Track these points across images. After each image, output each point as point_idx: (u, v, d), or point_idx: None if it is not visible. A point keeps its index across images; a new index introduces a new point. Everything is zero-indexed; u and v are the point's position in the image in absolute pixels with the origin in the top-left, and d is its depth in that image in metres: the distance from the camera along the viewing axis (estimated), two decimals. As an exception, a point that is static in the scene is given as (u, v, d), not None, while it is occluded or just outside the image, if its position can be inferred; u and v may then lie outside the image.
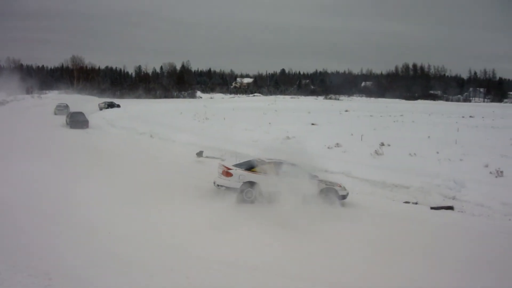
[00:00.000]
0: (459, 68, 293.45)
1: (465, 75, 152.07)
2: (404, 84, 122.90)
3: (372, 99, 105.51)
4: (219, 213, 11.86)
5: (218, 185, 14.09)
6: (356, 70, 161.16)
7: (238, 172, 13.96)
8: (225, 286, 7.53)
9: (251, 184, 13.82)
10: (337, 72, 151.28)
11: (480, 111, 60.78)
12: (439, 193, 15.35)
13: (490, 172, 18.54)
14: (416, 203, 14.69)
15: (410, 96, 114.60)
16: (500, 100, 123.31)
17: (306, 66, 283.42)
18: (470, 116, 49.00)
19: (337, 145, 23.51)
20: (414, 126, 33.91)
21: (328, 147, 22.89)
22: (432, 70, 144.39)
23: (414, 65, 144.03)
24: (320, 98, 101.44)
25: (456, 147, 23.49)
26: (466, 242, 11.03)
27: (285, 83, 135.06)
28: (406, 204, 14.70)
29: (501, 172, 18.36)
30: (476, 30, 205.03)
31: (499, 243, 11.15)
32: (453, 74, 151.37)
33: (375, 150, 21.63)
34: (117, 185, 13.55)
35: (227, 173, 14.01)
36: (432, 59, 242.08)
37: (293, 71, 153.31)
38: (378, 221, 12.26)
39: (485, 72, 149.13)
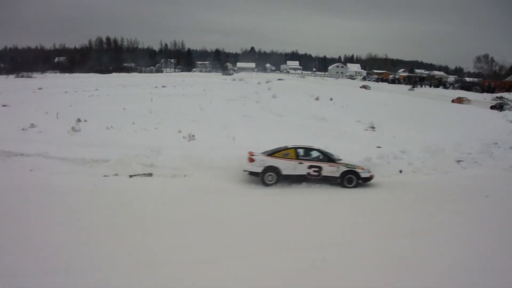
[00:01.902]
0: (151, 40, 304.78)
1: (156, 47, 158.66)
2: (98, 58, 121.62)
3: (67, 74, 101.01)
4: None
5: (244, 171, 15.39)
6: (48, 45, 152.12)
7: (260, 157, 15.27)
8: None
9: (272, 168, 15.11)
10: (29, 48, 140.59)
11: (172, 80, 64.42)
12: (138, 163, 15.67)
13: (183, 137, 19.85)
14: (116, 175, 14.73)
15: (105, 69, 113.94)
16: (189, 70, 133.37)
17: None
18: (163, 86, 51.10)
19: (32, 125, 21.73)
20: (110, 100, 33.69)
21: (23, 129, 20.97)
22: (125, 43, 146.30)
23: (108, 39, 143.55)
24: (12, 76, 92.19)
25: (151, 117, 24.28)
26: (166, 201, 11.97)
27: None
28: (106, 177, 14.57)
29: (193, 136, 19.84)
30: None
31: (195, 200, 12.22)
32: (146, 46, 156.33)
33: (72, 127, 20.77)
34: None
35: (250, 159, 15.31)
36: (126, 33, 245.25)
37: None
38: (72, 198, 11.88)
39: (174, 43, 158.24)
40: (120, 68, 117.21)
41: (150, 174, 14.93)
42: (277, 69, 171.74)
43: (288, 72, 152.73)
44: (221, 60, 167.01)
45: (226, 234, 8.97)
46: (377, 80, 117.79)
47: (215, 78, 75.77)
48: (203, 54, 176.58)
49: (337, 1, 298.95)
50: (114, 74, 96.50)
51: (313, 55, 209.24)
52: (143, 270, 6.95)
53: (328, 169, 15.27)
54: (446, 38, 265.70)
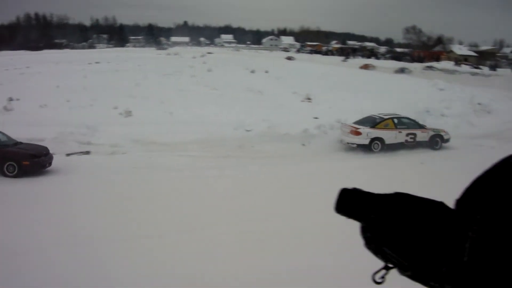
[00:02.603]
0: (82, 16, 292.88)
1: (87, 23, 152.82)
2: (27, 34, 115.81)
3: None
4: None
5: (348, 143, 16.71)
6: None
7: (366, 130, 16.52)
8: None
9: (378, 139, 16.57)
10: None
11: (105, 56, 62.42)
12: (75, 141, 15.34)
13: (120, 113, 19.47)
14: (53, 154, 14.33)
15: (35, 46, 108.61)
16: (122, 45, 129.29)
17: None
18: (96, 62, 49.50)
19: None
20: (42, 77, 32.34)
21: None
22: (55, 19, 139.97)
23: (36, 14, 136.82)
24: None
25: (86, 93, 23.56)
26: (105, 179, 11.77)
27: None
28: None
29: (130, 112, 19.50)
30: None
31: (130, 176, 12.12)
32: (76, 22, 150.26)
33: (4, 106, 19.89)
34: None
35: (356, 132, 16.50)
36: (55, 8, 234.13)
37: None
38: None
39: (106, 19, 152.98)
40: (51, 45, 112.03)
41: (87, 152, 14.66)
42: (212, 43, 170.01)
43: (222, 45, 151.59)
44: (154, 35, 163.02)
45: (168, 209, 9.03)
46: (310, 52, 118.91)
47: (149, 53, 73.89)
48: (136, 29, 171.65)
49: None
50: (45, 51, 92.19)
51: (247, 28, 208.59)
52: (78, 247, 6.93)
53: (421, 135, 17.34)
54: (377, 10, 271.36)
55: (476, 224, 0.39)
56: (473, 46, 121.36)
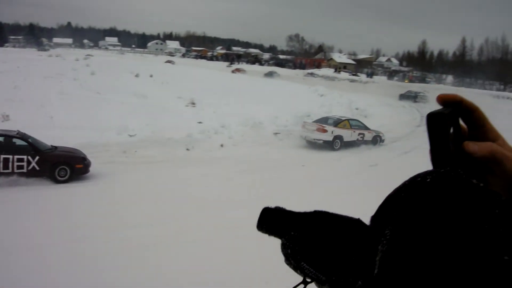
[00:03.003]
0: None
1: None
2: None
3: None
4: None
5: (315, 139, 18.95)
6: None
7: (330, 128, 19.10)
8: None
9: (339, 137, 19.18)
10: None
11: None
12: None
13: (-4, 117, 18.50)
14: None
15: None
16: (0, 45, 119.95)
17: None
18: (-33, 62, 45.84)
19: None
20: None
21: None
22: None
23: None
24: None
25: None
26: None
27: None
28: None
29: (7, 116, 18.59)
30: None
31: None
32: None
33: None
34: None
35: (323, 130, 18.93)
36: None
37: None
38: None
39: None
40: None
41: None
42: (96, 45, 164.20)
43: (107, 48, 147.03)
44: (36, 35, 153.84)
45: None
46: (196, 57, 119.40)
47: (29, 54, 69.59)
48: (17, 29, 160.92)
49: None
50: None
51: (132, 31, 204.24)
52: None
53: (367, 135, 20.28)
54: (261, 18, 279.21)
55: (385, 238, 0.42)
56: (352, 54, 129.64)
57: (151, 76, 41.97)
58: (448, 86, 65.12)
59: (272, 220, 0.52)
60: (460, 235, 0.39)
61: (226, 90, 35.09)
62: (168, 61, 79.18)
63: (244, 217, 8.24)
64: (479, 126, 0.57)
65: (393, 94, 47.43)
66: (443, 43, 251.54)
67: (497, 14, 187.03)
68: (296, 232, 0.50)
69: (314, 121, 20.49)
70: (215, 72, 58.06)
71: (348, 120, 20.50)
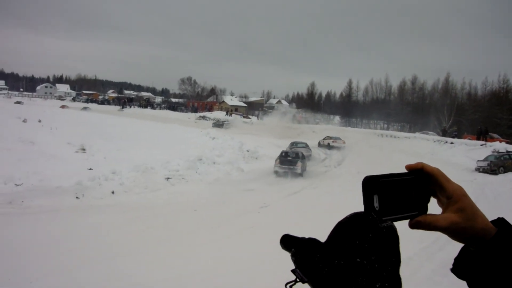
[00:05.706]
0: None
1: None
2: None
3: None
4: None
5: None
6: None
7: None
8: None
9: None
10: None
11: None
12: None
13: None
14: None
15: None
16: None
17: None
18: None
19: None
20: None
21: None
22: None
23: None
24: None
25: None
26: None
27: None
28: None
29: None
30: None
31: None
32: None
33: None
34: None
35: None
36: None
37: None
38: None
39: None
40: None
41: None
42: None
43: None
44: None
45: None
46: (86, 101, 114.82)
47: None
48: None
49: (36, 18, 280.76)
50: None
51: (21, 74, 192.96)
52: None
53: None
54: (153, 60, 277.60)
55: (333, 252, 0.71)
56: (243, 97, 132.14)
57: (39, 121, 39.73)
58: (335, 126, 68.66)
59: (286, 242, 0.78)
60: (349, 250, 0.68)
61: (118, 134, 34.28)
62: (62, 106, 75.24)
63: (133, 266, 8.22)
64: (437, 186, 0.83)
65: (283, 135, 48.69)
66: (331, 85, 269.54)
67: (381, 56, 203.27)
68: (296, 249, 0.75)
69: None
70: (107, 116, 56.38)
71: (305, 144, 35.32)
